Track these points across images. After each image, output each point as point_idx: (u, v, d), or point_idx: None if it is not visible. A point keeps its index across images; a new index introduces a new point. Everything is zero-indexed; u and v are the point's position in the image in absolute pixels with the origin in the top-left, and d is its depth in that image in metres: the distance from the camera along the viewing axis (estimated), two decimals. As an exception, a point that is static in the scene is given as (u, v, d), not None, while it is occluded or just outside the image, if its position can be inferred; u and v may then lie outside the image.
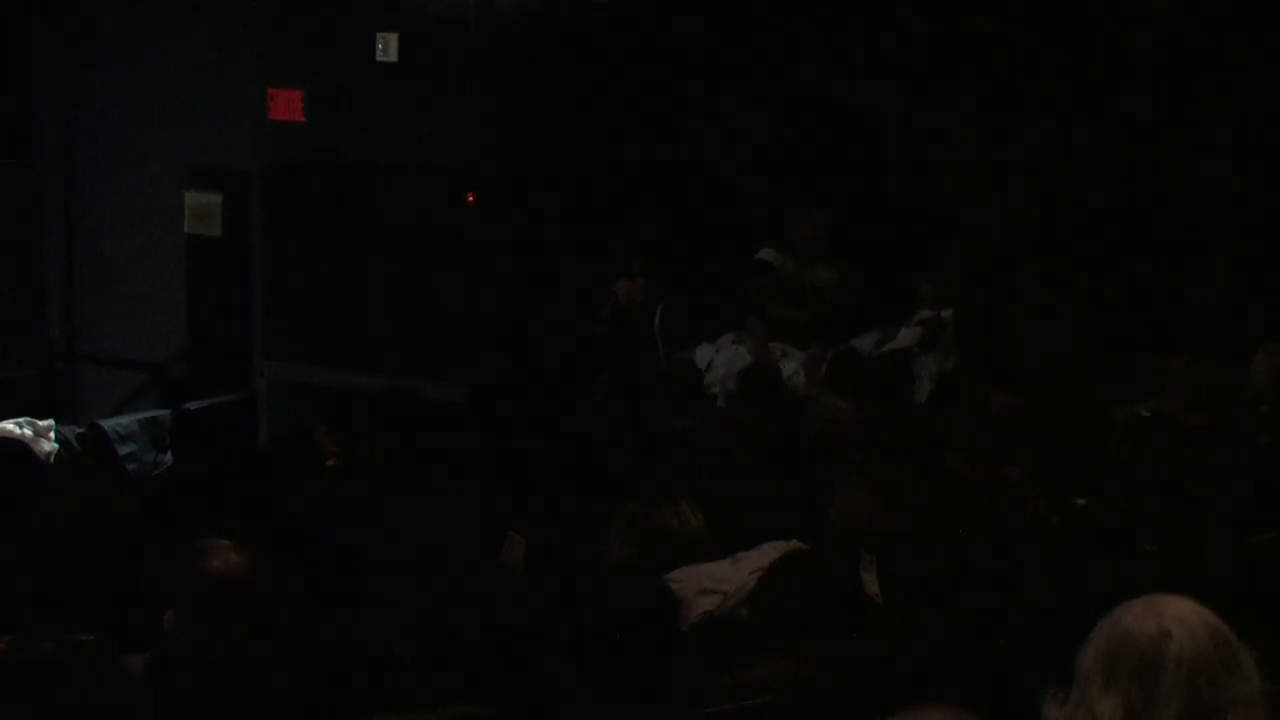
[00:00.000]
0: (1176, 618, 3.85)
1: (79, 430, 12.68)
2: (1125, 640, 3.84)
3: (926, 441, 8.47)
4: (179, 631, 5.54)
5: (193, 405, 13.35)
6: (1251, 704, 3.78)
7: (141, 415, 13.38)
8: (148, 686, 5.37)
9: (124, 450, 12.64)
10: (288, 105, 15.24)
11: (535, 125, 14.51)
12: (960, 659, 5.43)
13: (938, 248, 12.26)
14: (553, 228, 14.23)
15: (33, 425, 12.04)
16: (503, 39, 14.74)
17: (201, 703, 5.40)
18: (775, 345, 11.64)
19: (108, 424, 12.96)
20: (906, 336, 11.36)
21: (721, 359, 11.67)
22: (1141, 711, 3.77)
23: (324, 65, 15.10)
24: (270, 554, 6.11)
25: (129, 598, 6.43)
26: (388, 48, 15.03)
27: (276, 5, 15.39)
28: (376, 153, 14.82)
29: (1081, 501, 6.72)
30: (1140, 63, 12.07)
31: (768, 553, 6.15)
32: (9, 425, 11.91)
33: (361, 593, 6.35)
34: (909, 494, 6.93)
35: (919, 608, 6.08)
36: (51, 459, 11.51)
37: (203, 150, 15.61)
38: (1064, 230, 11.89)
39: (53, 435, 12.08)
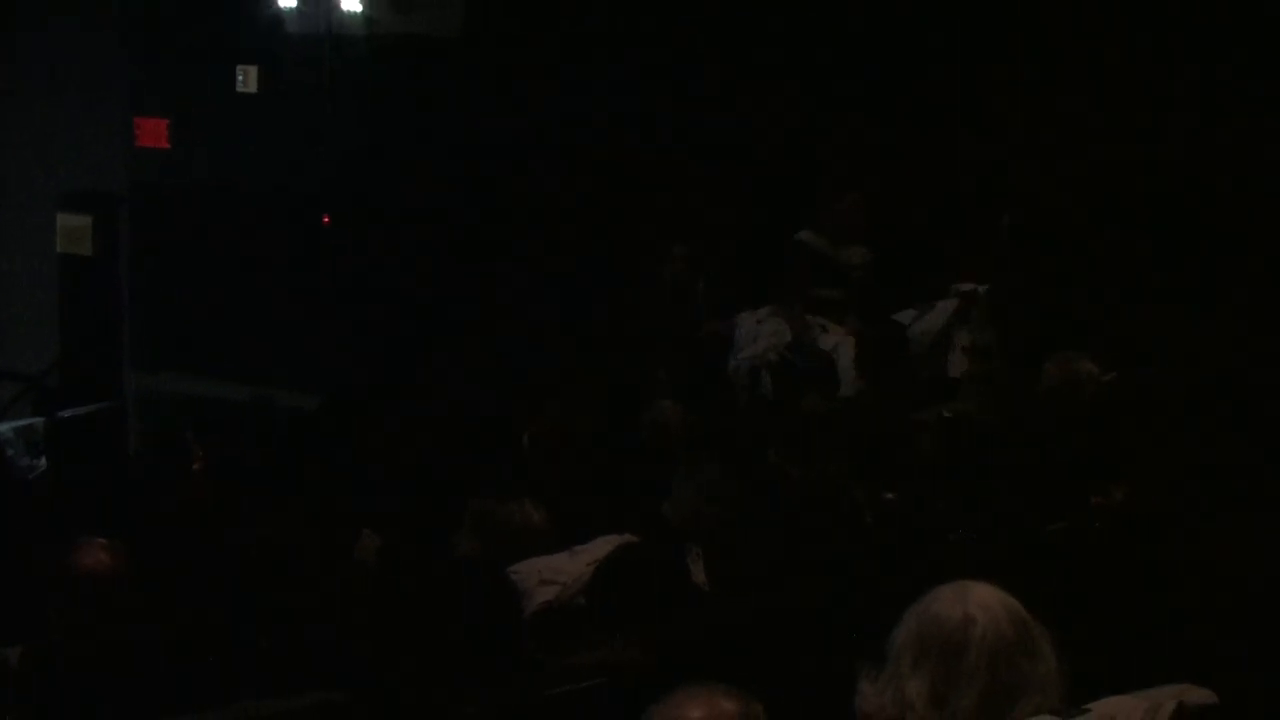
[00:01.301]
0: (980, 604, 3.87)
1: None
2: (933, 624, 3.86)
3: (751, 441, 8.54)
4: (52, 625, 5.46)
5: (65, 413, 13.17)
6: (1047, 684, 3.82)
7: (16, 423, 13.19)
8: (20, 678, 5.29)
9: (0, 455, 12.46)
10: (153, 133, 15.22)
11: (389, 151, 14.51)
12: (782, 641, 5.46)
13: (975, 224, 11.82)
14: (407, 246, 14.23)
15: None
16: (357, 72, 14.75)
17: (72, 693, 5.32)
18: (814, 320, 11.27)
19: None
20: (944, 309, 10.89)
21: (765, 329, 11.25)
22: (946, 691, 3.79)
23: (188, 96, 15.07)
24: (140, 553, 6.05)
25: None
26: (248, 79, 14.99)
27: (143, 39, 15.34)
28: (238, 177, 14.78)
29: (891, 495, 6.77)
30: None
31: (603, 545, 6.15)
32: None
33: (226, 590, 6.30)
34: (734, 491, 6.94)
35: (743, 595, 6.11)
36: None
37: (74, 175, 15.48)
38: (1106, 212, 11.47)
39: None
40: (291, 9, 15.00)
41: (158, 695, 5.38)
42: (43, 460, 11.73)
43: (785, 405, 9.88)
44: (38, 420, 13.03)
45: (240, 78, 15.11)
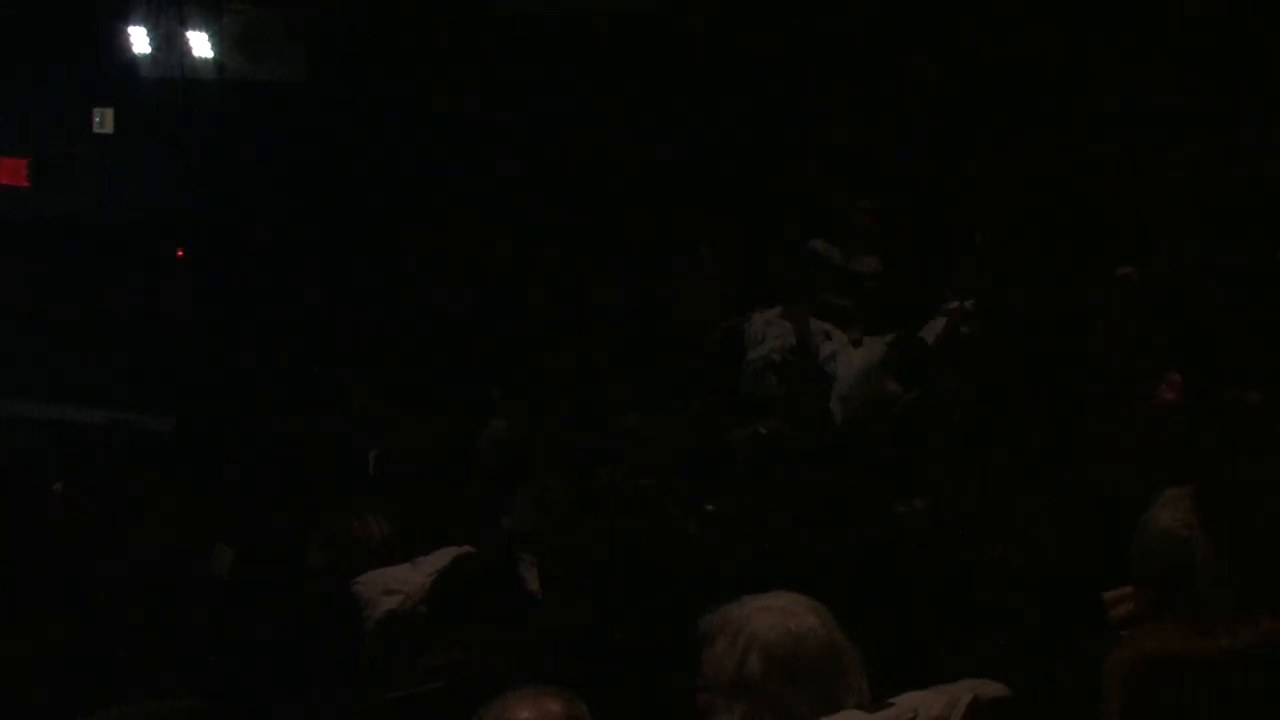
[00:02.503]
0: (793, 614, 3.89)
1: None
2: (791, 642, 3.84)
3: (581, 457, 8.56)
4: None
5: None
6: (850, 688, 3.87)
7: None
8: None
9: None
10: (13, 172, 15.04)
11: (240, 187, 14.42)
12: (609, 645, 5.46)
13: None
14: (259, 277, 14.15)
15: None
16: (209, 113, 14.66)
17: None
18: (819, 325, 10.96)
19: None
20: (933, 327, 10.53)
21: (773, 332, 11.07)
22: (832, 697, 3.81)
23: (47, 136, 14.91)
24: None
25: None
26: (104, 120, 14.83)
27: (3, 83, 15.14)
28: (94, 213, 14.63)
29: (710, 508, 6.79)
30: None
31: (443, 556, 6.13)
32: None
33: (85, 604, 6.19)
34: (566, 504, 6.94)
35: (574, 601, 6.10)
36: None
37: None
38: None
39: None
40: (146, 54, 14.88)
41: (18, 708, 5.28)
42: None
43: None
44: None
45: (97, 119, 14.95)
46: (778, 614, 3.88)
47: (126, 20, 14.77)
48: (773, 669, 3.82)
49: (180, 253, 14.62)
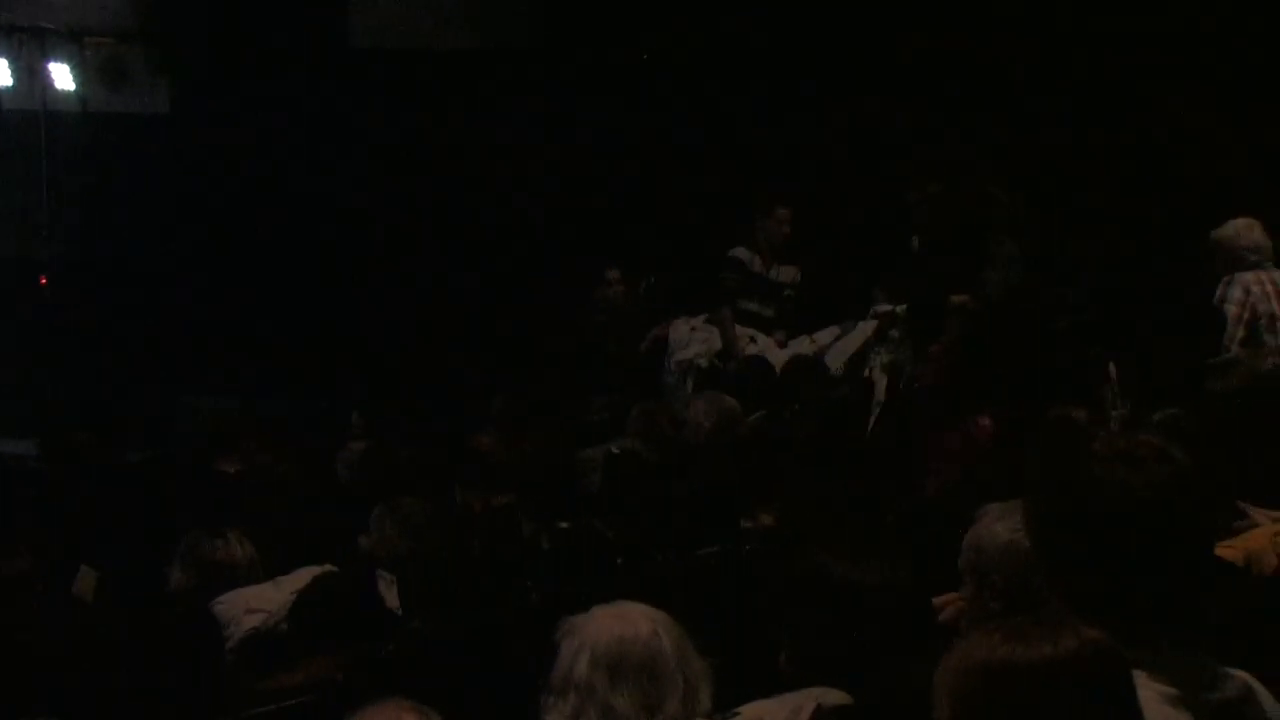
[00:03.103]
0: (639, 623, 3.91)
1: None
2: (619, 644, 3.87)
3: (438, 476, 8.54)
4: None
5: None
6: (695, 697, 3.89)
7: None
8: None
9: None
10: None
11: (103, 218, 14.31)
12: (466, 660, 5.45)
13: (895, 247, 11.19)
14: (121, 306, 14.04)
15: None
16: (72, 145, 14.53)
17: None
18: (744, 331, 10.90)
19: None
20: (863, 329, 10.50)
21: (698, 337, 10.97)
22: (653, 700, 3.83)
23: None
24: None
25: None
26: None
27: None
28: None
29: (564, 525, 6.78)
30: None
31: (303, 575, 6.09)
32: None
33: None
34: (425, 523, 6.91)
35: (432, 618, 6.07)
36: None
37: None
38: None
39: None
40: (7, 87, 14.67)
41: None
42: None
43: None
44: None
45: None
46: (613, 620, 3.92)
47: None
48: (598, 670, 3.85)
49: (44, 280, 14.46)
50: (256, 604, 6.10)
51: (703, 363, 10.72)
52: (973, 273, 8.47)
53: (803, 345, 10.84)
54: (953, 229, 8.95)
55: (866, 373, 10.05)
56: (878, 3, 12.51)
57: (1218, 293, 8.68)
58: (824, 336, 10.89)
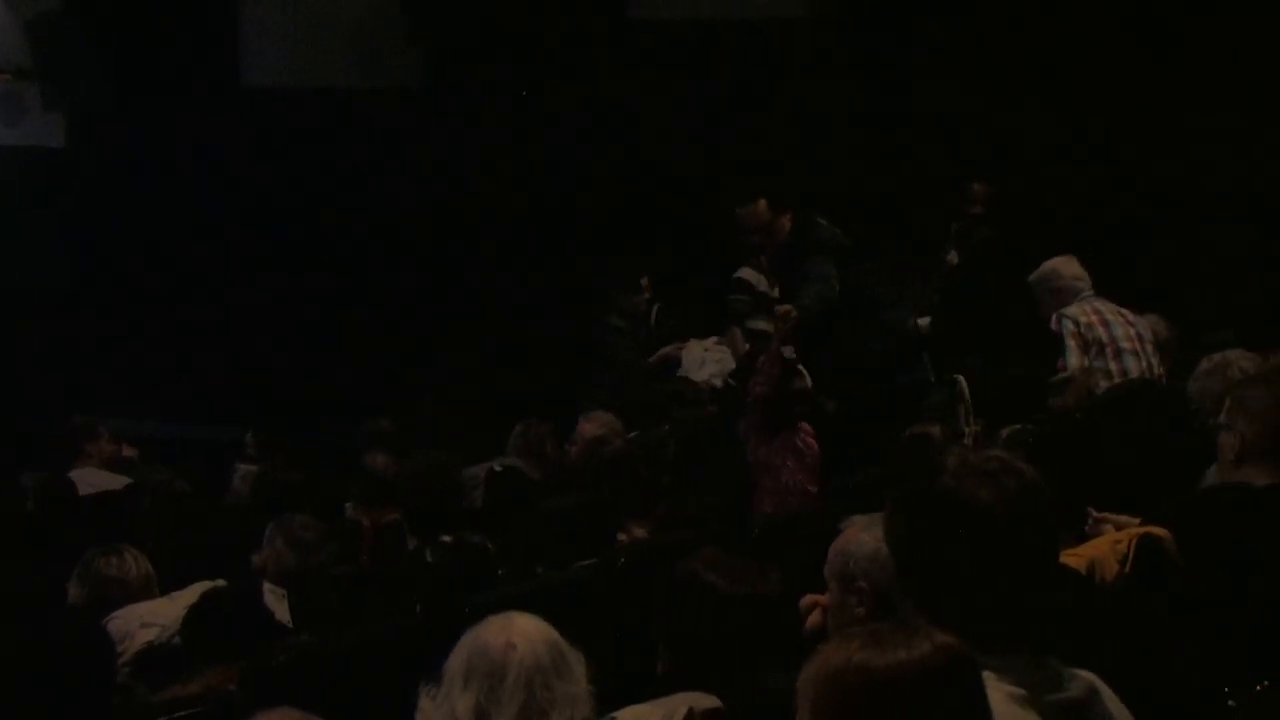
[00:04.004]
0: (521, 633, 3.90)
1: None
2: (480, 650, 3.88)
3: (331, 496, 8.50)
4: None
5: None
6: (578, 700, 3.87)
7: None
8: None
9: None
10: None
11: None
12: (355, 670, 5.40)
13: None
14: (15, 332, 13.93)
15: None
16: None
17: None
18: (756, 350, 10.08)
19: None
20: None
21: (711, 358, 10.58)
22: (489, 707, 3.82)
23: None
24: None
25: None
26: None
27: None
28: None
29: (447, 539, 6.74)
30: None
31: (196, 590, 6.03)
32: None
33: None
34: (315, 539, 6.84)
35: (322, 630, 6.03)
36: None
37: None
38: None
39: None
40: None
41: None
42: None
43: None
44: None
45: None
46: (496, 627, 3.92)
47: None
48: (474, 672, 3.84)
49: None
50: (151, 618, 6.05)
51: (718, 383, 10.45)
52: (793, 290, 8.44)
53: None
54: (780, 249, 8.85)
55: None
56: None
57: (1053, 327, 8.79)
58: None
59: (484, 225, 13.71)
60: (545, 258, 13.38)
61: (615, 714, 3.83)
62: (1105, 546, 4.67)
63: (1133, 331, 8.73)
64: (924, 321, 10.14)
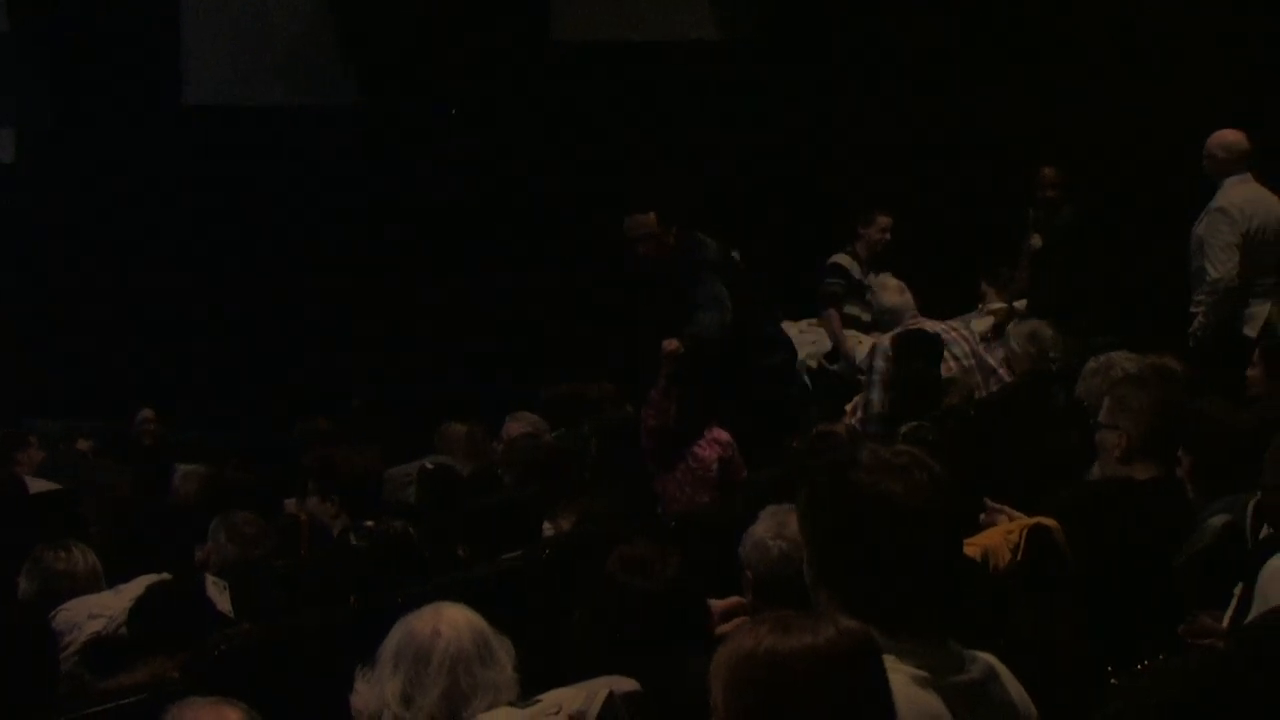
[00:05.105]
0: (449, 621, 3.90)
1: None
2: (409, 636, 3.88)
3: (268, 489, 8.46)
4: None
5: None
6: (502, 686, 3.87)
7: None
8: None
9: None
10: None
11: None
12: (294, 658, 5.37)
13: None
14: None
15: None
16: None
17: None
18: (850, 333, 10.18)
19: None
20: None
21: (806, 339, 10.17)
22: (413, 691, 3.82)
23: None
24: None
25: None
26: None
27: None
28: None
29: (369, 523, 6.67)
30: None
31: (141, 583, 5.97)
32: None
33: None
34: (255, 534, 6.80)
35: (263, 620, 5.98)
36: None
37: None
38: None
39: None
40: None
41: None
42: None
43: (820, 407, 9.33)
44: None
45: None
46: (426, 616, 3.92)
47: None
48: (402, 657, 3.84)
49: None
50: (98, 610, 5.98)
51: (812, 364, 10.20)
52: (686, 315, 8.18)
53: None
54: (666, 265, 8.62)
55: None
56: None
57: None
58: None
59: (419, 239, 13.69)
60: (480, 268, 13.38)
61: (539, 697, 3.82)
62: (998, 536, 4.71)
63: (968, 348, 8.81)
64: (1020, 304, 10.06)
